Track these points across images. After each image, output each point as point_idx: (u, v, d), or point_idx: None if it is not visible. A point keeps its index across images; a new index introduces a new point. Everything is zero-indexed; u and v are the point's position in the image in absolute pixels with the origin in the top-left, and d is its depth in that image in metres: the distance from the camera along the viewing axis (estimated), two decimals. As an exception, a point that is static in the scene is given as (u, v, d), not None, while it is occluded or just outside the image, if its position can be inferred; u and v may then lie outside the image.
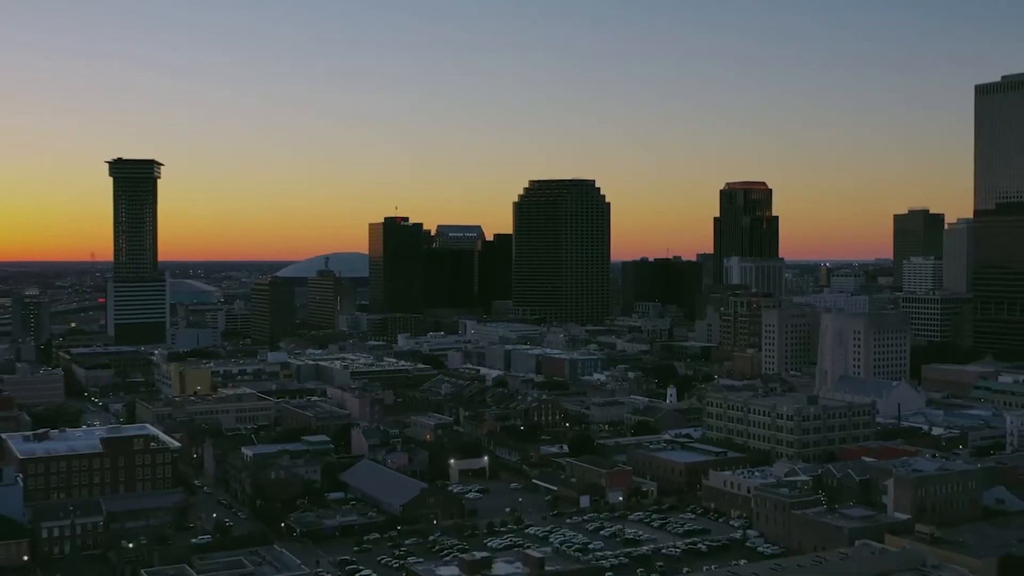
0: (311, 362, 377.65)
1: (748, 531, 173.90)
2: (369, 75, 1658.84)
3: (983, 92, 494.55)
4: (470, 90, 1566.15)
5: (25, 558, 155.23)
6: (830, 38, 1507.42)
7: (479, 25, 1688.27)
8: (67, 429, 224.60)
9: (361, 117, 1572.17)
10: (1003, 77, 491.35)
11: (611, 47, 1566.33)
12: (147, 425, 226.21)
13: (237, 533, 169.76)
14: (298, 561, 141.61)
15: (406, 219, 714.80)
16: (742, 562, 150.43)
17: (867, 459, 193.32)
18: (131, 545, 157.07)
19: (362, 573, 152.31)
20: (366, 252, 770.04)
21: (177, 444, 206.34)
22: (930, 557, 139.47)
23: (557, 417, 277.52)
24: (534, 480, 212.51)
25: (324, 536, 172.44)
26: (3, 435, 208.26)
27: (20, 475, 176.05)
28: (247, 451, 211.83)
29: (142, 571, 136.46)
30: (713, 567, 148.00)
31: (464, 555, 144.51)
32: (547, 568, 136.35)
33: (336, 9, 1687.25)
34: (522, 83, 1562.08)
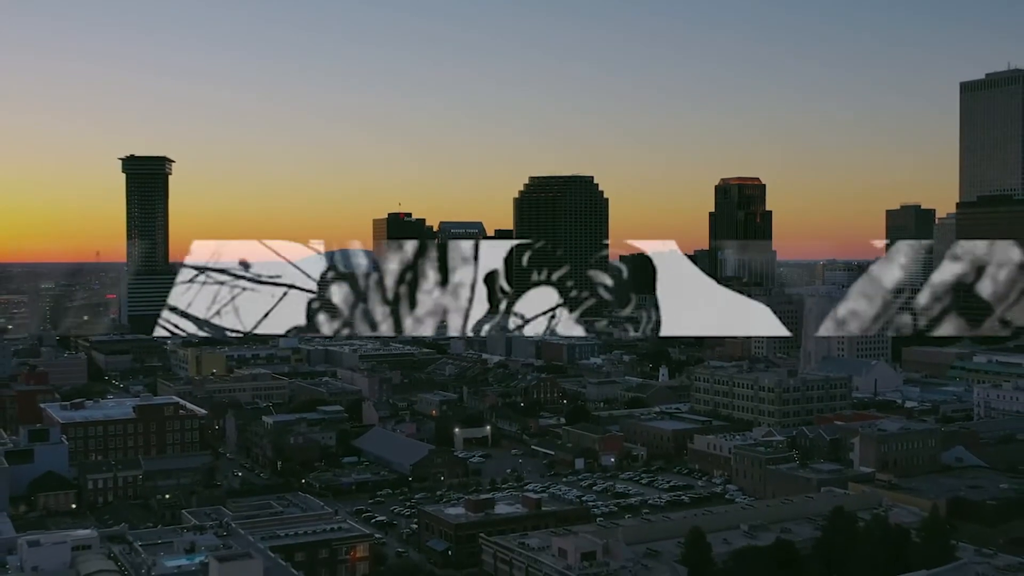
0: (321, 347, 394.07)
1: (728, 486, 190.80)
2: (370, 74, 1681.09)
3: (968, 89, 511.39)
4: (471, 88, 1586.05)
5: (73, 506, 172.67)
6: (823, 38, 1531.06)
7: (479, 24, 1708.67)
8: (99, 400, 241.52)
9: (364, 116, 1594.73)
10: (987, 75, 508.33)
11: (610, 46, 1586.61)
12: (174, 396, 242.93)
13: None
14: (321, 503, 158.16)
15: (409, 215, 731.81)
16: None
17: (838, 423, 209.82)
18: (167, 496, 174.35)
19: (376, 519, 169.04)
20: (370, 249, 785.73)
21: (204, 412, 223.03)
22: (886, 499, 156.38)
23: (555, 395, 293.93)
24: (533, 447, 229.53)
25: (342, 491, 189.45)
26: (42, 404, 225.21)
27: (64, 436, 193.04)
28: (267, 419, 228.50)
29: (183, 511, 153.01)
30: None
31: (470, 496, 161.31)
32: (543, 508, 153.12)
33: (338, 9, 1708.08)
34: (521, 81, 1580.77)
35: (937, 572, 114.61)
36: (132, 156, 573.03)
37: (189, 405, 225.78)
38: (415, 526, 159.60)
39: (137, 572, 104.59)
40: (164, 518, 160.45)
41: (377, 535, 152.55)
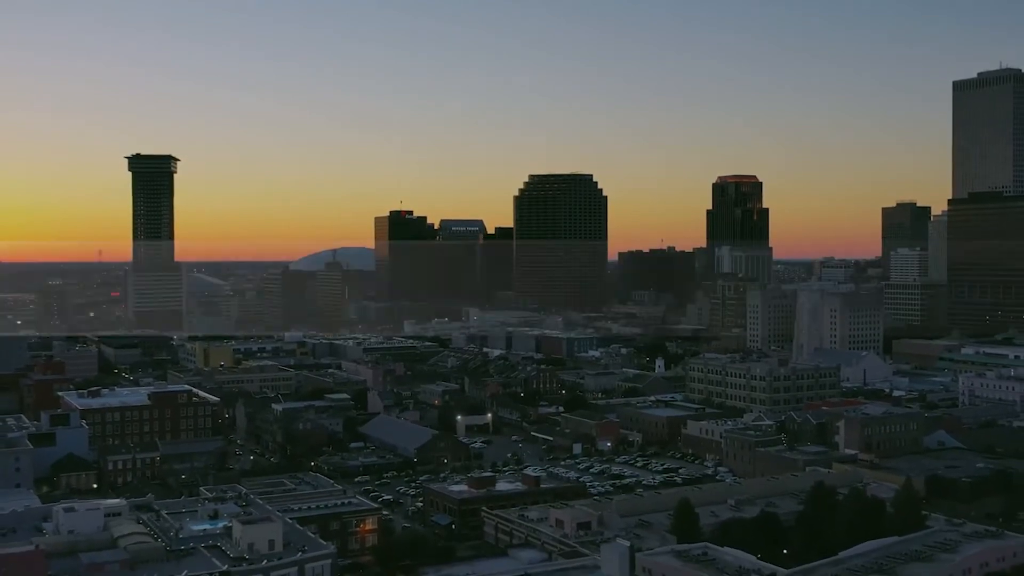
0: (325, 341, 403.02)
1: (719, 468, 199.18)
2: (371, 74, 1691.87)
3: (960, 88, 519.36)
4: (471, 88, 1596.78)
5: (94, 486, 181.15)
6: (818, 38, 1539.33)
7: (480, 24, 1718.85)
8: (115, 388, 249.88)
9: (365, 116, 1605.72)
10: (979, 74, 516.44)
11: (609, 45, 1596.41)
12: (187, 384, 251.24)
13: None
14: (331, 481, 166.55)
15: (410, 213, 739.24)
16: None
17: (825, 408, 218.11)
18: (183, 477, 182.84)
19: (382, 498, 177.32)
20: (372, 247, 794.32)
21: (216, 399, 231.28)
22: (868, 477, 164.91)
23: (554, 385, 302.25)
24: (532, 433, 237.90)
25: (349, 473, 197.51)
26: (60, 392, 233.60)
27: (84, 421, 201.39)
28: (277, 407, 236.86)
29: (200, 488, 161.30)
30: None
31: (472, 474, 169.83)
32: (542, 485, 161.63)
33: (339, 10, 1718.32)
34: (521, 81, 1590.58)
35: (908, 538, 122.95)
36: (138, 155, 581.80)
37: (201, 393, 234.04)
38: (420, 504, 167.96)
39: (165, 535, 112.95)
40: (182, 496, 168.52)
41: (384, 512, 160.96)
